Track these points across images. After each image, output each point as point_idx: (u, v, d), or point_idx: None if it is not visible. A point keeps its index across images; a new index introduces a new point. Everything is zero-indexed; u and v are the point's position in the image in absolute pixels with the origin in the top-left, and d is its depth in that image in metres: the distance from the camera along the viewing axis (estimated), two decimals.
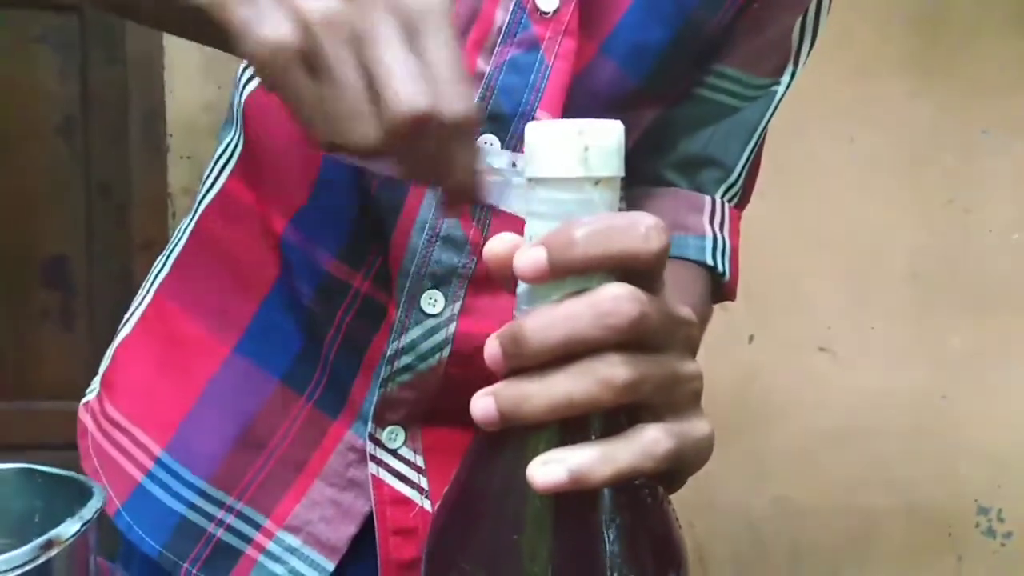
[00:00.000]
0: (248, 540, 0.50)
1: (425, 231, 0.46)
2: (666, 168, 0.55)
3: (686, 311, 0.29)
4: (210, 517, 0.50)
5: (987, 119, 1.52)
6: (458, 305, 0.46)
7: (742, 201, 0.59)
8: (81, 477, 0.31)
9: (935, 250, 1.53)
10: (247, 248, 0.52)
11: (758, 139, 0.57)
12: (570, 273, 0.26)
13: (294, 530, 0.50)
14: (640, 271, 0.26)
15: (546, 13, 0.46)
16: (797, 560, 1.56)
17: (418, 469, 0.49)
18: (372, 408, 0.48)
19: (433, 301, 0.46)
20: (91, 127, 1.55)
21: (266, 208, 0.51)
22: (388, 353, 0.47)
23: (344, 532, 0.49)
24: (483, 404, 0.27)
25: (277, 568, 0.50)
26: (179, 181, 1.51)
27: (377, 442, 0.49)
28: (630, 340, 0.26)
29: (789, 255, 1.44)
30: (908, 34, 1.49)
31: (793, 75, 0.56)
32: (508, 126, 0.46)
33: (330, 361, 0.49)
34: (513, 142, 0.46)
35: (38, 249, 1.57)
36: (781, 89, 0.56)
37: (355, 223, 0.49)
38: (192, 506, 0.51)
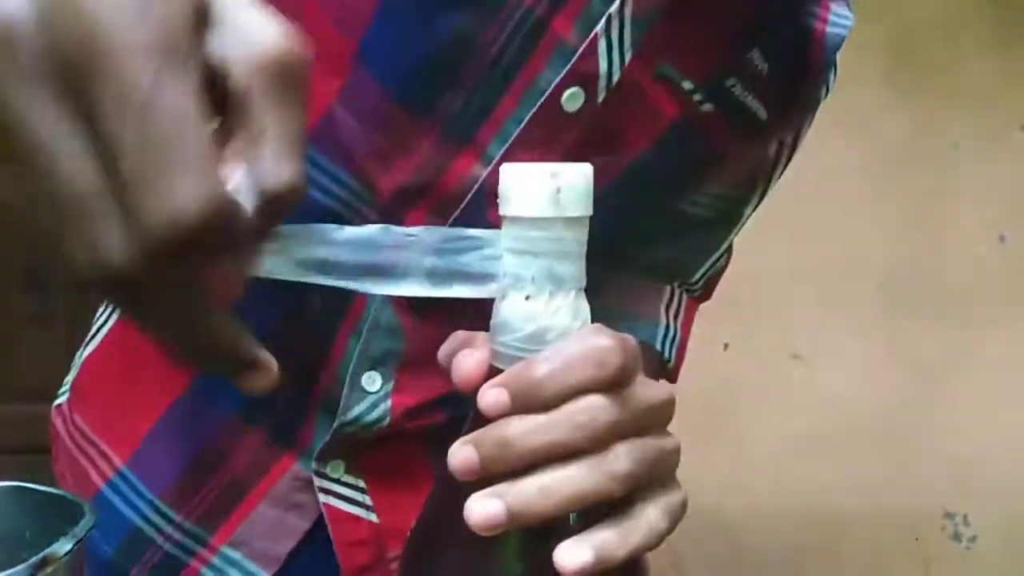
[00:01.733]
0: (192, 554, 0.52)
1: (368, 321, 0.47)
2: (634, 268, 0.57)
3: (662, 390, 0.30)
4: (159, 530, 0.53)
5: (957, 133, 1.56)
6: (391, 384, 0.48)
7: (703, 297, 0.62)
8: (71, 496, 0.32)
9: (906, 260, 1.57)
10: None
11: (721, 254, 0.60)
12: (535, 411, 0.28)
13: (236, 545, 0.52)
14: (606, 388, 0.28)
15: (572, 113, 0.43)
16: (768, 564, 1.59)
17: (360, 490, 0.52)
18: (316, 451, 0.50)
19: (372, 380, 0.48)
20: None
21: None
22: (335, 426, 0.49)
23: (284, 547, 0.52)
24: (490, 506, 0.27)
25: None
26: None
27: (322, 475, 0.51)
28: (614, 439, 0.28)
29: (763, 264, 1.46)
30: (882, 47, 1.52)
31: (762, 195, 0.57)
32: None
33: (282, 402, 0.51)
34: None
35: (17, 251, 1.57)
36: (749, 209, 0.58)
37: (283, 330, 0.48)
38: (145, 518, 0.53)
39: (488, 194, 0.45)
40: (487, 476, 0.28)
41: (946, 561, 1.59)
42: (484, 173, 0.45)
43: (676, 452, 0.30)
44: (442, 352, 0.32)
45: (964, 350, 1.57)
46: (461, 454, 0.28)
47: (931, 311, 1.56)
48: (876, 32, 1.50)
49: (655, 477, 0.29)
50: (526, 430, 0.27)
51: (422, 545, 0.31)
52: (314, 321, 0.48)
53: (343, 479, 0.51)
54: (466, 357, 0.30)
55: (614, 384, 0.28)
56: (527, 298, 0.29)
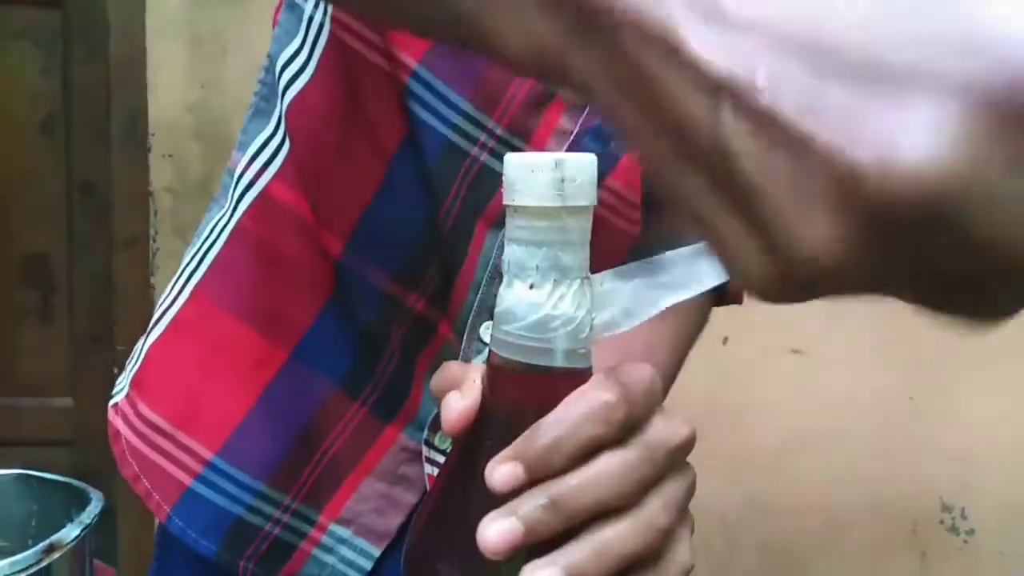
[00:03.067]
0: (303, 535, 0.52)
1: (488, 267, 0.48)
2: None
3: (681, 429, 0.30)
4: (268, 517, 0.52)
5: None
6: None
7: None
8: (76, 482, 0.32)
9: None
10: (301, 256, 0.52)
11: None
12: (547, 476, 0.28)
13: (345, 523, 0.52)
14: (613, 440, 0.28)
15: None
16: (767, 557, 1.59)
17: None
18: (430, 417, 0.50)
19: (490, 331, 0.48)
20: (73, 124, 1.55)
21: (319, 222, 0.51)
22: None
23: (393, 521, 0.52)
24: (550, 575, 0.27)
25: (328, 558, 0.52)
26: (161, 180, 1.51)
27: (431, 445, 0.50)
28: (644, 491, 0.28)
29: None
30: None
31: None
32: None
33: (388, 372, 0.51)
34: None
35: (17, 246, 1.57)
36: None
37: (414, 243, 0.49)
38: (250, 508, 0.52)
39: None
40: (527, 545, 0.27)
41: (943, 554, 1.60)
42: None
43: (694, 485, 0.30)
44: (434, 384, 0.32)
45: (963, 344, 1.57)
46: (497, 526, 0.27)
47: None
48: None
49: (683, 516, 0.30)
50: (569, 491, 0.27)
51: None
52: (431, 273, 0.48)
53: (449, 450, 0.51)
54: (454, 401, 0.30)
55: (625, 435, 0.28)
56: (531, 287, 0.29)
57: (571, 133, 0.47)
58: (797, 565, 1.59)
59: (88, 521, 0.28)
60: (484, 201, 0.48)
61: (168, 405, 0.54)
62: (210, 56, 1.48)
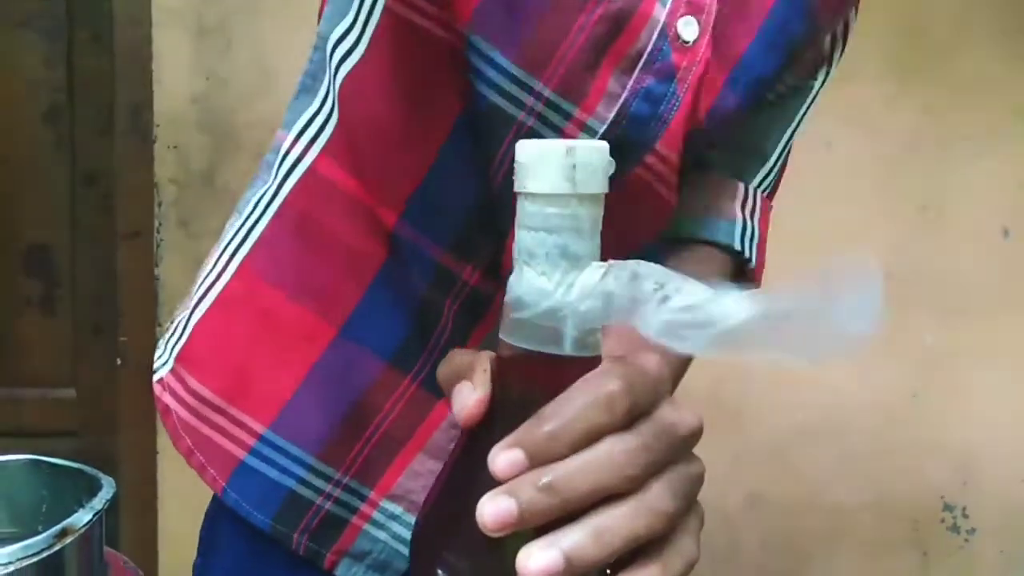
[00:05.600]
0: (354, 510, 0.52)
1: None
2: (707, 168, 0.57)
3: (689, 418, 0.30)
4: (319, 491, 0.52)
5: (964, 125, 1.55)
6: None
7: (772, 192, 0.61)
8: (87, 468, 0.32)
9: (909, 252, 1.57)
10: (349, 232, 0.51)
11: (795, 129, 0.59)
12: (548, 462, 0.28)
13: (397, 499, 0.52)
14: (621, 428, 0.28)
15: (687, 42, 0.45)
16: (769, 554, 1.59)
17: None
18: None
19: None
20: (77, 114, 1.55)
21: (372, 197, 0.50)
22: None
23: None
24: (548, 557, 0.26)
25: (380, 534, 0.53)
26: (165, 171, 1.51)
27: None
28: (649, 475, 0.28)
29: (767, 256, 1.46)
30: (887, 39, 1.52)
31: (827, 75, 0.58)
32: (628, 155, 0.46)
33: (439, 346, 0.50)
34: (628, 171, 0.46)
35: (21, 237, 1.57)
36: (817, 84, 0.58)
37: (468, 215, 0.49)
38: (301, 481, 0.52)
39: (670, 37, 0.45)
40: (525, 526, 0.27)
41: (944, 553, 1.60)
42: (663, 15, 0.44)
43: (702, 477, 0.30)
44: (441, 373, 0.32)
45: (965, 343, 1.57)
46: (494, 505, 0.27)
47: (933, 303, 1.56)
48: (881, 25, 1.50)
49: (689, 505, 0.29)
50: (567, 474, 0.27)
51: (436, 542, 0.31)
52: (483, 244, 0.48)
53: None
54: (466, 394, 0.30)
55: (628, 423, 0.28)
56: (541, 275, 0.29)
57: (620, 96, 0.46)
58: (798, 562, 1.60)
59: (100, 507, 0.28)
60: None
61: (219, 379, 0.54)
62: (215, 47, 1.48)
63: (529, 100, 0.46)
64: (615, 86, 0.46)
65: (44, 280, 1.57)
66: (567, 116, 0.46)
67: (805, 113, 0.59)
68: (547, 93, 0.46)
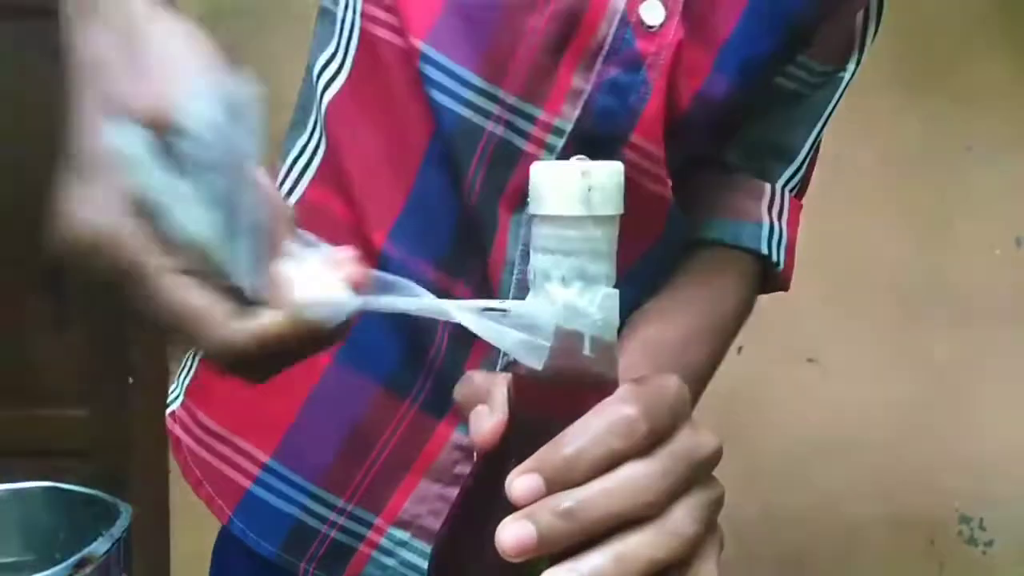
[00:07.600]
0: (361, 538, 0.52)
1: (519, 244, 0.47)
2: (731, 152, 0.55)
3: (708, 441, 0.29)
4: (323, 519, 0.52)
5: (972, 135, 1.55)
6: None
7: (802, 191, 0.59)
8: (104, 495, 0.32)
9: (920, 263, 1.56)
10: None
11: (823, 125, 0.57)
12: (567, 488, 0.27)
13: (404, 525, 0.52)
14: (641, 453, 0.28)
15: (651, 27, 0.43)
16: (783, 567, 1.58)
17: None
18: None
19: None
20: None
21: (359, 219, 0.50)
22: (500, 366, 0.48)
23: None
24: None
25: (389, 561, 0.52)
26: None
27: None
28: (669, 501, 0.28)
29: None
30: (895, 49, 1.52)
31: (858, 62, 0.56)
32: (602, 150, 0.45)
33: (436, 366, 0.50)
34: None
35: (34, 256, 1.57)
36: (847, 76, 0.56)
37: (453, 231, 0.49)
38: (305, 509, 0.52)
39: (632, 24, 0.43)
40: (544, 552, 0.26)
41: (961, 565, 1.58)
42: (622, 3, 0.43)
43: (722, 500, 0.30)
44: (458, 393, 0.32)
45: (979, 353, 1.56)
46: (513, 530, 0.26)
47: (946, 314, 1.55)
48: (888, 35, 1.50)
49: (708, 529, 0.29)
50: (587, 500, 0.27)
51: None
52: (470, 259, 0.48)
53: None
54: (484, 418, 0.30)
55: (648, 447, 0.28)
56: (557, 296, 0.29)
57: (583, 92, 0.45)
58: (812, 575, 1.58)
59: (119, 535, 0.28)
60: (505, 178, 0.47)
61: (225, 412, 0.54)
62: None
63: (495, 109, 0.46)
64: (579, 82, 0.44)
65: (57, 298, 1.58)
66: (532, 119, 0.45)
67: (835, 107, 0.56)
68: (511, 100, 0.45)
